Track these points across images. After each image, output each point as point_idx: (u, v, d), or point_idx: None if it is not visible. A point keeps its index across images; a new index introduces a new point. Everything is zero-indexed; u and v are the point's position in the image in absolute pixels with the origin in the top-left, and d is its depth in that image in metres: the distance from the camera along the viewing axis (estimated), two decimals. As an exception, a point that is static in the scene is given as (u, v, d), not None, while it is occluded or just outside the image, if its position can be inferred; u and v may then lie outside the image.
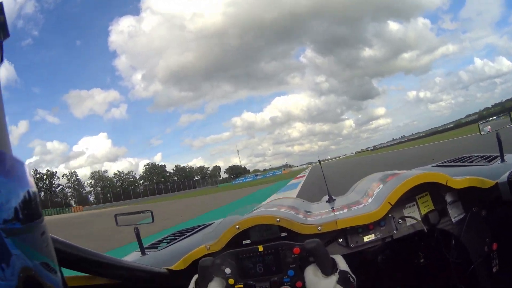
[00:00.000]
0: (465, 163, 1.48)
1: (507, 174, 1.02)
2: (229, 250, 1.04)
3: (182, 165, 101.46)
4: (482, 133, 1.44)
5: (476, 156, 1.53)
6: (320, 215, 1.21)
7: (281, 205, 1.34)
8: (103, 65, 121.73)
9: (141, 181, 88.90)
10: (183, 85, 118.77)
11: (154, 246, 1.46)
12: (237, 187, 44.87)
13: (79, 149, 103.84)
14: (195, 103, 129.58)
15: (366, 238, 1.08)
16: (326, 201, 1.54)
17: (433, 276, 1.19)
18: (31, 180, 0.33)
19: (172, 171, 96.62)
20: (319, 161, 2.02)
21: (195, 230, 1.55)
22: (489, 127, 1.44)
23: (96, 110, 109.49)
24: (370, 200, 1.17)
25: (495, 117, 1.44)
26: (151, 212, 1.33)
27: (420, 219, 1.08)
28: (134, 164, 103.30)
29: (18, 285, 0.27)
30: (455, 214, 1.10)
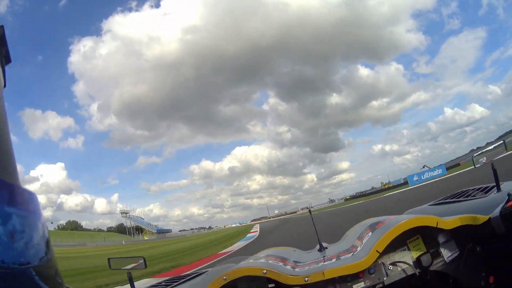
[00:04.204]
0: (461, 198, 1.50)
1: (499, 208, 1.05)
2: None
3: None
4: (477, 165, 1.46)
5: (473, 189, 1.56)
6: (308, 265, 1.22)
7: (270, 256, 1.36)
8: (61, 87, 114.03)
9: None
10: (138, 121, 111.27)
11: None
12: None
13: (35, 174, 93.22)
14: (152, 144, 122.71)
15: (356, 287, 1.08)
16: (318, 250, 1.56)
17: None
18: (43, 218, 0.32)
19: None
20: (309, 210, 2.10)
21: (188, 277, 1.55)
22: (484, 158, 1.47)
23: (51, 135, 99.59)
24: (359, 248, 1.18)
25: (490, 148, 1.48)
26: (144, 259, 1.32)
27: (411, 263, 1.09)
28: (90, 201, 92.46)
29: None
30: (448, 254, 1.12)
